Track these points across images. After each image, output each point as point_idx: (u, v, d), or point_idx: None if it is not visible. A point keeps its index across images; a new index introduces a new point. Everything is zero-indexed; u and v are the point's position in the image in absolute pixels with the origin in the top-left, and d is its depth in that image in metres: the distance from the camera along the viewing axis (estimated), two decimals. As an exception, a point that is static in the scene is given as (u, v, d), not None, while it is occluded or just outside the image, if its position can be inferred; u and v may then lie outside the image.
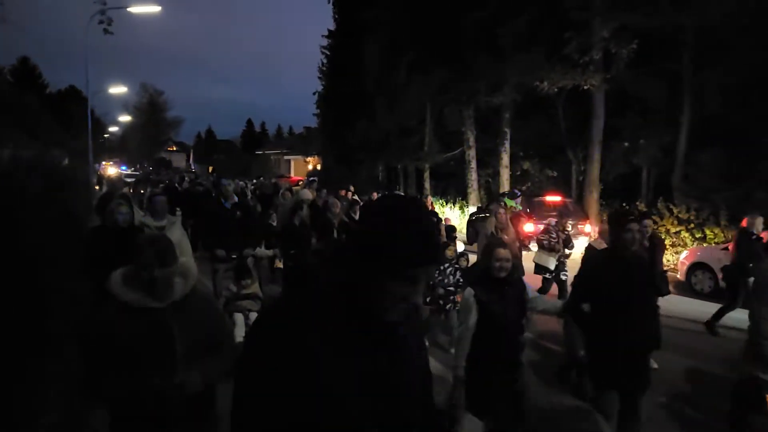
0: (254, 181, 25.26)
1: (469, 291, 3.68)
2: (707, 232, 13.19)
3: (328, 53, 32.83)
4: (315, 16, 47.20)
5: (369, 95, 24.56)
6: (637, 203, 15.78)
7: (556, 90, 15.76)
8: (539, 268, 7.61)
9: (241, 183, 18.94)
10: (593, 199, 16.23)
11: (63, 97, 52.01)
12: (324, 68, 33.48)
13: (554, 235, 7.58)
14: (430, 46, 19.53)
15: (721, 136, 14.76)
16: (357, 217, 8.10)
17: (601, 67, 15.02)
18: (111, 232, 4.49)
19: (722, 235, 12.78)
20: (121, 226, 4.59)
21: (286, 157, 60.33)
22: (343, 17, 30.89)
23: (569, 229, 7.95)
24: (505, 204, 8.27)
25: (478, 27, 17.16)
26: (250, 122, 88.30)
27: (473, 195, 20.70)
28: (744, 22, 13.29)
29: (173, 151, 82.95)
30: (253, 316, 5.77)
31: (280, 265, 7.85)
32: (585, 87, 15.09)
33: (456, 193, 22.40)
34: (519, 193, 10.30)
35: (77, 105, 32.14)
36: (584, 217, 14.45)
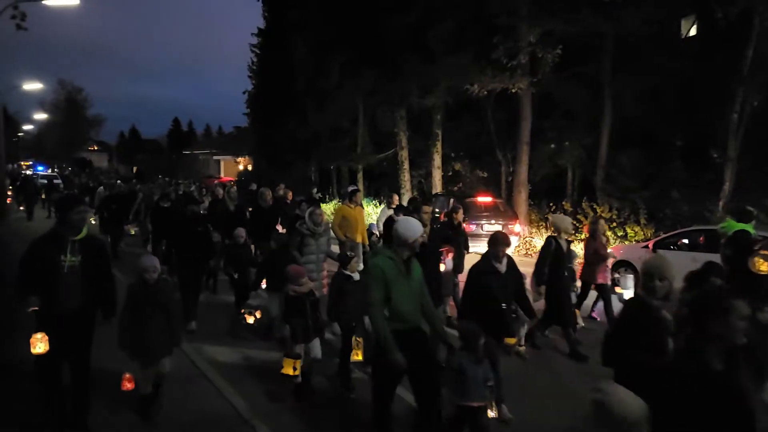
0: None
1: None
2: (628, 230, 13.81)
3: (258, 52, 31.96)
4: (244, 13, 45.98)
5: (300, 95, 24.11)
6: (563, 203, 16.34)
7: (485, 93, 16.04)
8: None
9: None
10: (522, 199, 16.64)
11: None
12: (254, 67, 32.58)
13: None
14: (360, 48, 19.36)
15: (638, 138, 15.57)
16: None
17: (528, 71, 15.43)
18: None
19: (642, 233, 13.40)
20: None
21: (215, 158, 58.40)
22: (272, 16, 30.16)
23: None
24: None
25: (406, 30, 17.20)
26: (176, 121, 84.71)
27: (407, 195, 20.74)
28: (655, 30, 14.06)
29: (94, 150, 78.68)
30: None
31: None
32: (513, 90, 15.45)
33: (390, 194, 22.39)
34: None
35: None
36: (514, 216, 14.76)
